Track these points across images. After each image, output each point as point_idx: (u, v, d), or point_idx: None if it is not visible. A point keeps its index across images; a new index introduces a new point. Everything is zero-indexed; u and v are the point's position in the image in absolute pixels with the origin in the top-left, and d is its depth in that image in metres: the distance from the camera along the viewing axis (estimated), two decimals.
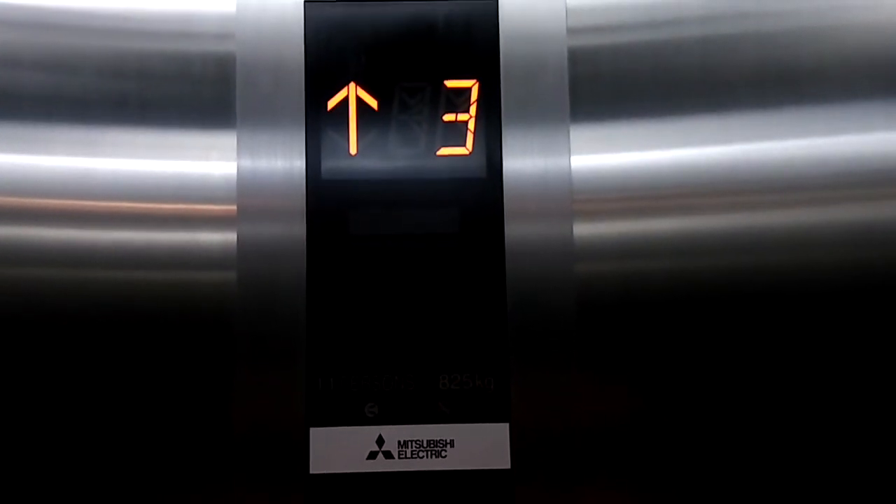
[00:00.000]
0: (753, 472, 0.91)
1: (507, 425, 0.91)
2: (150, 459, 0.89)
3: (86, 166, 0.92)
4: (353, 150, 0.93)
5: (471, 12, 0.95)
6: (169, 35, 0.94)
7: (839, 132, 0.94)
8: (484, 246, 0.92)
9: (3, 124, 0.92)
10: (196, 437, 0.90)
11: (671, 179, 0.93)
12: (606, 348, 0.91)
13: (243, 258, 0.91)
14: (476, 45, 0.95)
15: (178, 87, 0.93)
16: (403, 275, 0.92)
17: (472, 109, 0.94)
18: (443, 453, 0.90)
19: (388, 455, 0.90)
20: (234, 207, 0.92)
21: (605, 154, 0.94)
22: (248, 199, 0.92)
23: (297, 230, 0.92)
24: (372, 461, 0.90)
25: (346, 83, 0.94)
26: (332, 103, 0.94)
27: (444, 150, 0.94)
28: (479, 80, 0.94)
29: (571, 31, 0.95)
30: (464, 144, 0.94)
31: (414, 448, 0.90)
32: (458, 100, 0.94)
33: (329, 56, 0.94)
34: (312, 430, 0.90)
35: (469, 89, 0.94)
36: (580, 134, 0.94)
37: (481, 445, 0.90)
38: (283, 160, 0.93)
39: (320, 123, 0.93)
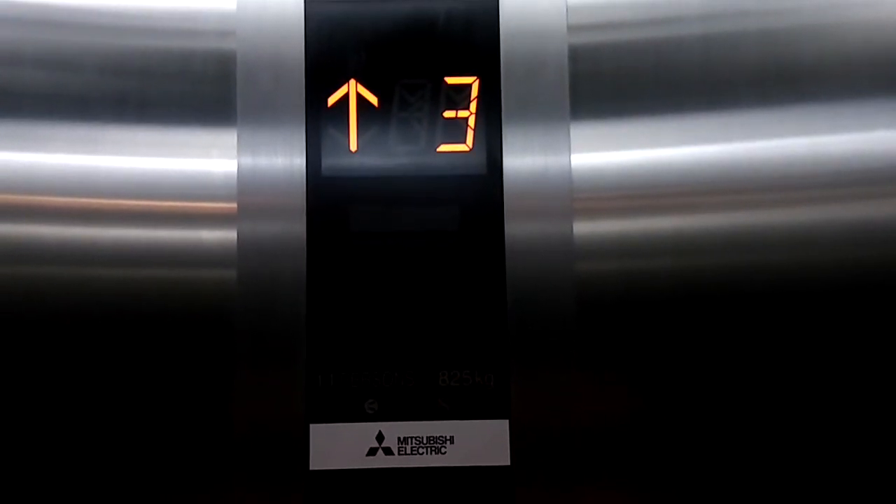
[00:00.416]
0: (754, 471, 0.91)
1: (506, 422, 0.91)
2: (150, 456, 0.90)
3: (86, 164, 0.92)
4: (353, 146, 0.93)
5: (471, 9, 0.95)
6: (170, 32, 0.94)
7: (840, 130, 0.94)
8: (484, 243, 0.92)
9: (4, 122, 0.92)
10: (196, 433, 0.90)
11: (671, 178, 0.93)
12: (606, 346, 0.91)
13: (244, 256, 0.91)
14: (476, 41, 0.95)
15: (178, 84, 0.93)
16: (403, 271, 0.92)
17: (473, 106, 0.94)
18: (442, 450, 0.90)
19: (387, 451, 0.90)
20: (235, 205, 0.92)
21: (606, 152, 0.94)
22: (249, 197, 0.92)
23: (297, 228, 0.92)
24: (372, 458, 0.90)
25: (347, 80, 0.94)
26: (332, 100, 0.94)
27: (444, 147, 0.94)
28: (479, 76, 0.94)
29: (572, 28, 0.95)
30: (464, 141, 0.94)
31: (414, 444, 0.90)
32: (459, 97, 0.94)
33: (329, 53, 0.94)
34: (312, 427, 0.90)
35: (469, 86, 0.94)
36: (580, 132, 0.93)
37: (481, 442, 0.91)
38: (283, 157, 0.93)
39: (320, 120, 0.93)
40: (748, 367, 0.92)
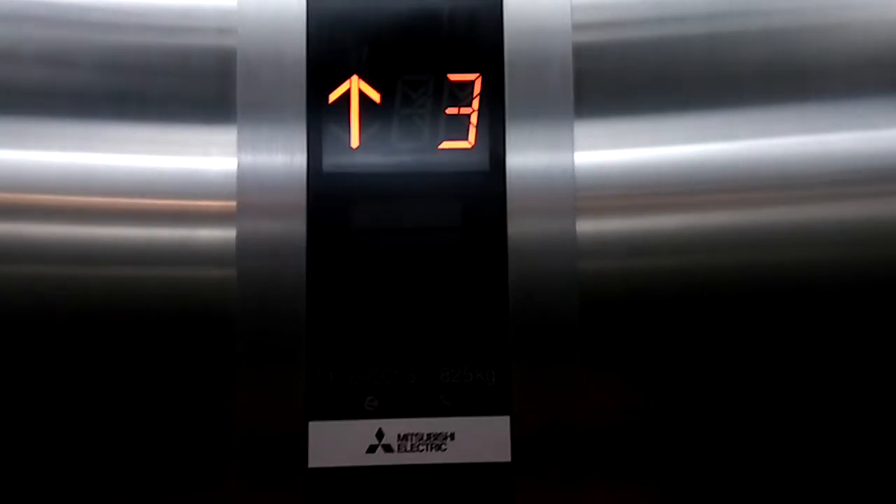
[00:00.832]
0: (754, 468, 0.91)
1: (507, 418, 0.91)
2: (150, 454, 0.90)
3: (85, 162, 0.92)
4: (354, 143, 0.93)
5: (474, 5, 0.94)
6: (170, 29, 0.94)
7: (844, 129, 0.94)
8: (486, 240, 0.92)
9: (2, 119, 0.92)
10: (196, 431, 0.90)
11: (675, 176, 0.93)
12: (608, 344, 0.91)
13: (243, 254, 0.91)
14: (479, 38, 0.94)
15: (178, 81, 0.93)
16: (404, 268, 0.92)
17: (475, 103, 0.93)
18: (443, 447, 0.90)
19: (387, 448, 0.90)
20: (235, 203, 0.91)
21: (609, 150, 0.93)
22: (249, 195, 0.91)
23: (297, 225, 0.91)
24: (371, 455, 0.90)
25: (348, 76, 0.93)
26: (333, 96, 0.93)
27: (446, 144, 0.93)
28: (482, 73, 0.94)
29: (576, 26, 0.94)
30: (466, 138, 0.93)
31: (414, 441, 0.90)
32: (461, 93, 0.94)
33: (331, 49, 0.94)
34: (311, 424, 0.90)
35: (472, 83, 0.94)
36: (584, 130, 0.93)
37: (482, 439, 0.91)
38: (283, 155, 0.92)
39: (322, 117, 0.93)
40: (751, 365, 0.92)
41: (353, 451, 0.90)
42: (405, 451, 0.90)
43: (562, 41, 0.94)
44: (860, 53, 0.95)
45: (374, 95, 0.93)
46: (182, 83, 0.93)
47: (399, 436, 0.90)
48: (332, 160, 0.93)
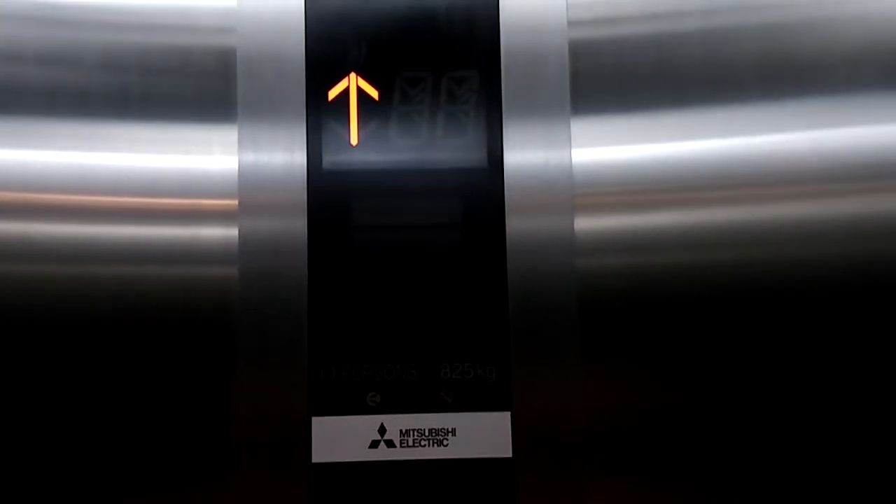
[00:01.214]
0: (754, 464, 0.91)
1: (508, 414, 0.91)
2: (153, 451, 0.90)
3: (87, 161, 0.92)
4: (353, 140, 0.93)
5: (471, 2, 0.94)
6: (170, 29, 0.94)
7: (844, 124, 0.94)
8: (485, 236, 0.92)
9: (4, 119, 0.92)
10: (199, 428, 0.90)
11: (673, 173, 0.93)
12: (608, 340, 0.91)
13: (245, 253, 0.91)
14: (476, 35, 0.94)
15: (179, 81, 0.93)
16: (405, 265, 0.92)
17: (473, 99, 0.94)
18: (444, 442, 0.91)
19: (389, 444, 0.91)
20: (236, 202, 0.92)
21: (607, 147, 0.93)
22: (250, 193, 0.92)
23: (298, 223, 0.92)
24: (374, 450, 0.90)
25: (347, 73, 0.94)
26: (332, 94, 0.94)
27: (445, 140, 0.93)
28: (479, 70, 0.94)
29: (572, 23, 0.94)
30: (465, 135, 0.94)
31: (416, 437, 0.91)
32: (459, 90, 0.94)
33: (330, 46, 0.94)
34: (314, 420, 0.90)
35: (470, 79, 0.94)
36: (581, 127, 0.93)
37: (483, 434, 0.91)
38: (284, 153, 0.92)
39: (321, 114, 0.93)
40: (750, 362, 0.91)
41: (356, 447, 0.90)
42: (407, 446, 0.91)
43: (558, 38, 0.94)
44: (859, 48, 0.95)
45: (373, 93, 0.94)
46: (183, 82, 0.93)
47: (401, 431, 0.91)
48: (331, 158, 0.93)
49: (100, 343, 0.90)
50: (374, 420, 0.91)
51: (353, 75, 0.94)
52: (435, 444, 0.91)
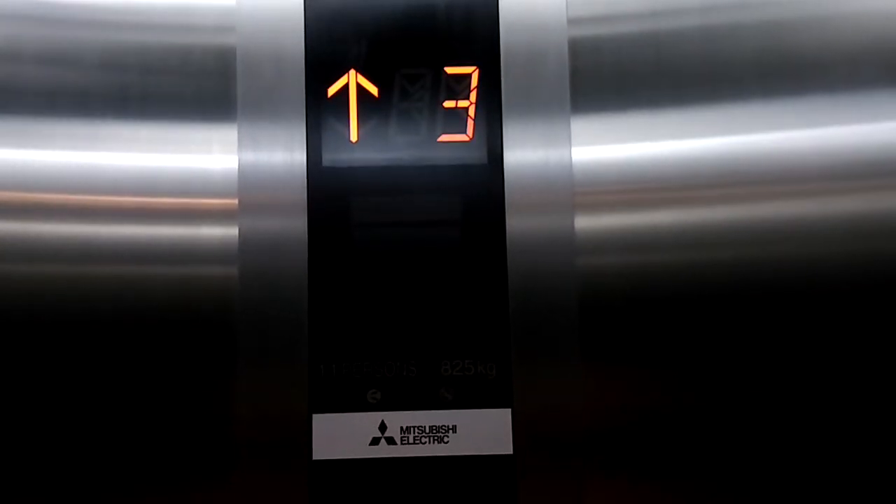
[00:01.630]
0: (754, 463, 0.91)
1: (508, 411, 0.91)
2: (154, 449, 0.90)
3: (86, 161, 0.92)
4: (353, 137, 0.93)
5: None
6: (170, 28, 0.94)
7: (844, 122, 0.93)
8: (485, 233, 0.92)
9: (3, 118, 0.92)
10: (199, 426, 0.90)
11: (673, 171, 0.93)
12: (608, 338, 0.91)
13: (245, 252, 0.91)
14: (476, 31, 0.94)
15: (178, 80, 0.93)
16: (405, 262, 0.92)
17: (473, 96, 0.94)
18: (445, 439, 0.91)
19: (390, 441, 0.91)
20: (236, 201, 0.92)
21: (607, 145, 0.93)
22: (250, 192, 0.92)
23: (298, 221, 0.92)
24: (375, 447, 0.91)
25: (346, 70, 0.94)
26: (332, 91, 0.93)
27: (444, 137, 0.93)
28: (479, 66, 0.94)
29: (572, 20, 0.94)
30: (464, 131, 0.93)
31: (416, 434, 0.91)
32: (459, 86, 0.94)
33: (329, 44, 0.94)
34: (315, 417, 0.90)
35: (469, 76, 0.94)
36: (581, 125, 0.93)
37: (483, 431, 0.91)
38: (283, 151, 0.92)
39: (321, 112, 0.93)
40: (751, 361, 0.91)
41: (357, 444, 0.91)
42: (408, 443, 0.91)
43: (557, 35, 0.94)
44: (858, 45, 0.94)
45: (373, 89, 0.94)
46: (183, 81, 0.93)
47: (402, 428, 0.91)
48: (331, 155, 0.93)
49: (100, 343, 0.90)
50: (375, 417, 0.91)
51: (352, 72, 0.94)
52: (435, 441, 0.91)
